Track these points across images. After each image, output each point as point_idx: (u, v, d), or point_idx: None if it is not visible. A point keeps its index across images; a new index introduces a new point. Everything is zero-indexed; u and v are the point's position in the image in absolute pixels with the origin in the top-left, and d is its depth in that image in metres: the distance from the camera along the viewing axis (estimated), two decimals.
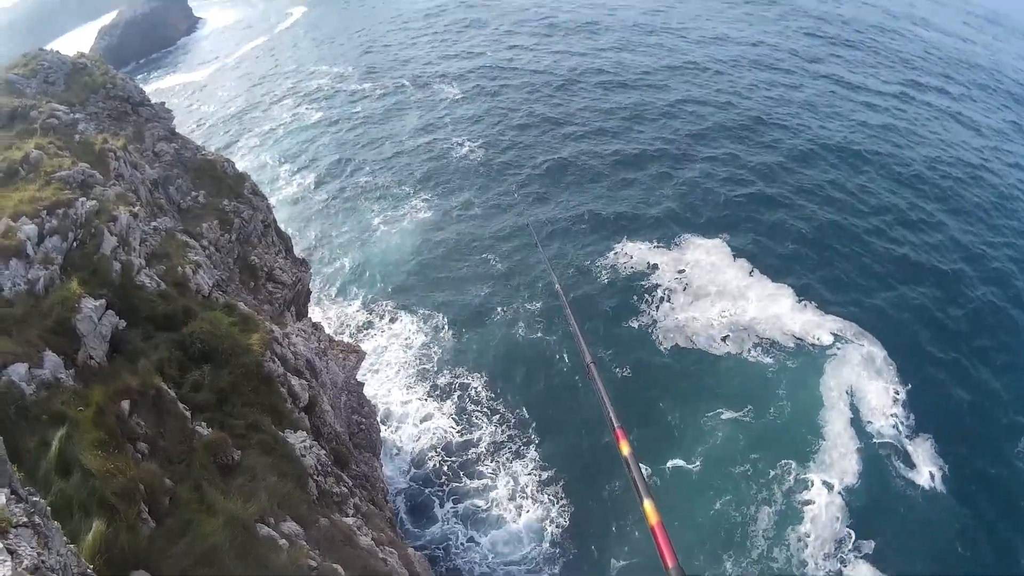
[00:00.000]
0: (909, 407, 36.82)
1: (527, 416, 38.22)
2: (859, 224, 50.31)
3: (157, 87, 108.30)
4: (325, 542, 16.92)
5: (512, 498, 34.67)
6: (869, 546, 30.76)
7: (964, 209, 53.78)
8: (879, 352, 39.68)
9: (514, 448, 36.98)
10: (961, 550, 30.87)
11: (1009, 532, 31.47)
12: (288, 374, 20.81)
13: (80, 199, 21.17)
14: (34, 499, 9.18)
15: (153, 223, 25.00)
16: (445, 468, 36.59)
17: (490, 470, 36.22)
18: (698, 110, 68.09)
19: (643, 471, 4.66)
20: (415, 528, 33.61)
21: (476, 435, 37.80)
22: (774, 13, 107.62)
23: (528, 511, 34.09)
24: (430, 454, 37.18)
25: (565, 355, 40.77)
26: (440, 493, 35.65)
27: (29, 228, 18.98)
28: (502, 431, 37.73)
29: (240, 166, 36.48)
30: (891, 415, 36.31)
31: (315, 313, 45.55)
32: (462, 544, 33.26)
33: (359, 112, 74.60)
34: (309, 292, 36.44)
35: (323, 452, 20.24)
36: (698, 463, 34.84)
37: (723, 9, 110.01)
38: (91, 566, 10.75)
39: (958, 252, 48.35)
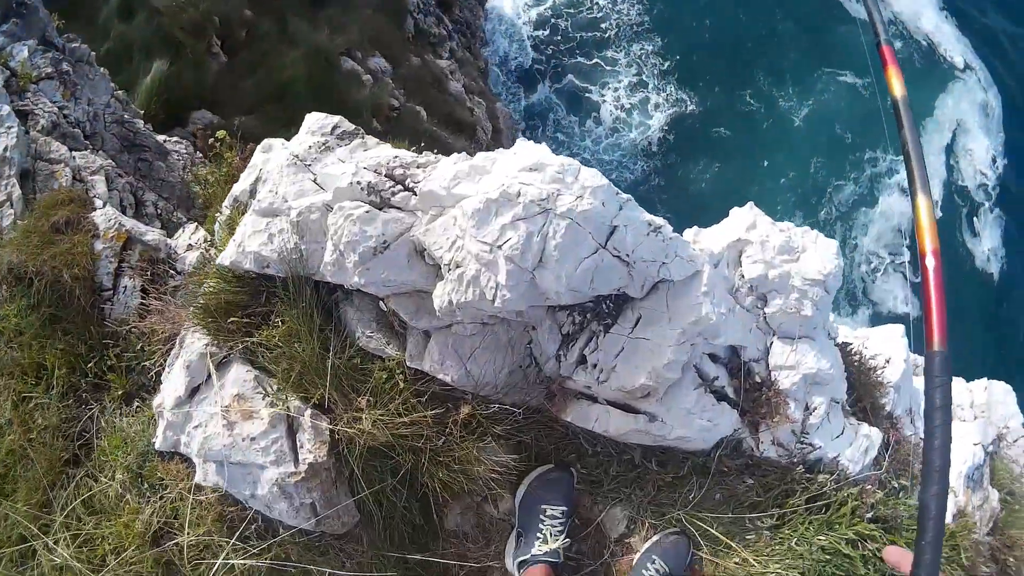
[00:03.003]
0: (1001, 179, 32.19)
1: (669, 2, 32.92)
2: None
3: None
4: (413, 83, 16.06)
5: (630, 92, 30.66)
6: (912, 272, 28.78)
7: None
8: (998, 110, 33.84)
9: (650, 39, 31.83)
10: (977, 334, 28.60)
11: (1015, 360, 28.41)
12: None
13: None
14: (73, 45, 7.97)
15: None
16: (565, 36, 31.59)
17: (616, 56, 31.35)
18: None
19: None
20: (511, 92, 29.92)
21: (609, 12, 32.04)
22: None
23: (641, 112, 30.46)
24: (552, 17, 31.96)
25: None
26: (550, 63, 31.01)
27: None
28: (638, 13, 32.10)
29: None
30: (982, 173, 32.10)
31: None
32: (558, 121, 29.68)
33: None
34: None
35: None
36: (804, 114, 31.14)
37: None
38: (142, 111, 9.86)
39: None
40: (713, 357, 3.28)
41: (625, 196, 2.69)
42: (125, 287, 4.54)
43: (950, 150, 32.57)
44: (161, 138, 9.27)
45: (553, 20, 31.76)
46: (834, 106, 31.09)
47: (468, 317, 2.92)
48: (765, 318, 3.35)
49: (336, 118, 3.53)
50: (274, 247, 3.12)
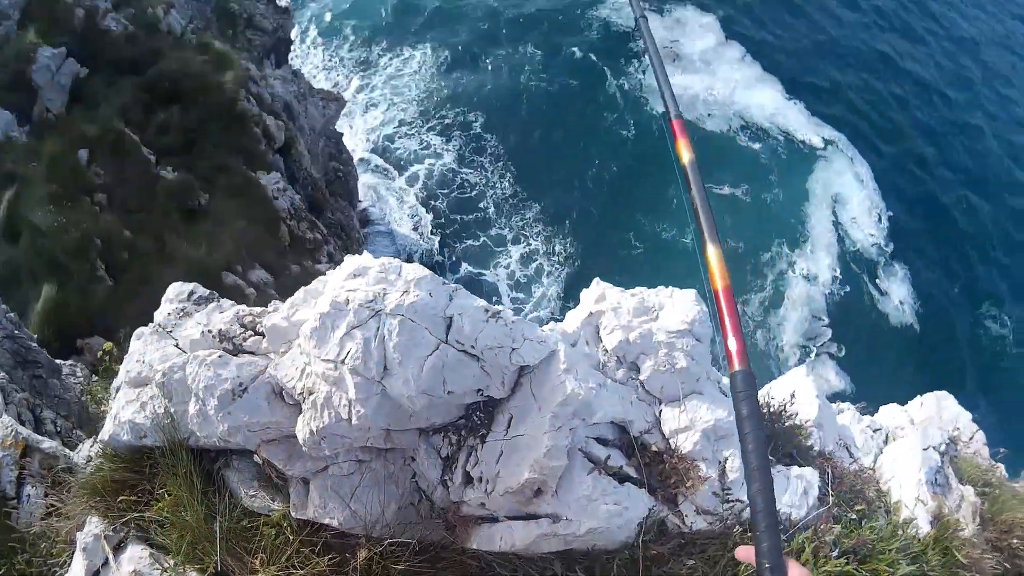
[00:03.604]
0: (890, 233, 34.44)
1: (534, 168, 33.91)
2: (864, 37, 44.42)
3: None
4: (295, 292, 16.02)
5: (523, 265, 31.15)
6: (837, 350, 30.02)
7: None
8: (867, 172, 36.58)
9: (527, 206, 32.82)
10: (912, 375, 29.64)
11: (957, 377, 29.77)
12: (263, 114, 18.75)
13: None
14: None
15: None
16: (448, 220, 32.29)
17: (501, 232, 32.06)
18: None
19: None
20: None
21: (482, 189, 33.23)
22: None
23: (537, 283, 30.79)
24: (428, 199, 32.91)
25: (562, 109, 36.25)
26: (444, 253, 31.32)
27: None
28: (508, 184, 33.28)
29: None
30: (871, 234, 34.18)
31: (303, 60, 38.87)
32: None
33: None
34: (290, 41, 32.85)
35: (298, 196, 18.61)
36: (690, 236, 31.70)
37: None
38: (36, 336, 9.84)
39: (970, 107, 42.83)
40: (603, 442, 3.19)
41: (454, 285, 2.72)
42: (28, 495, 4.46)
43: (836, 224, 34.16)
44: (57, 362, 9.17)
45: (432, 203, 32.37)
46: (719, 219, 32.17)
47: (338, 450, 2.81)
48: (644, 387, 3.33)
49: (192, 284, 3.59)
50: (147, 414, 3.08)
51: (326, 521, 2.93)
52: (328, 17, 42.26)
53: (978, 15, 50.35)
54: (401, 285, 2.61)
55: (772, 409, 4.24)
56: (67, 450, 4.93)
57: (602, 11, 41.36)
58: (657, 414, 3.34)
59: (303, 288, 2.91)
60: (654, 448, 3.25)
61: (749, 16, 43.46)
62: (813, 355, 29.79)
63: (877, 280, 32.88)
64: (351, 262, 2.72)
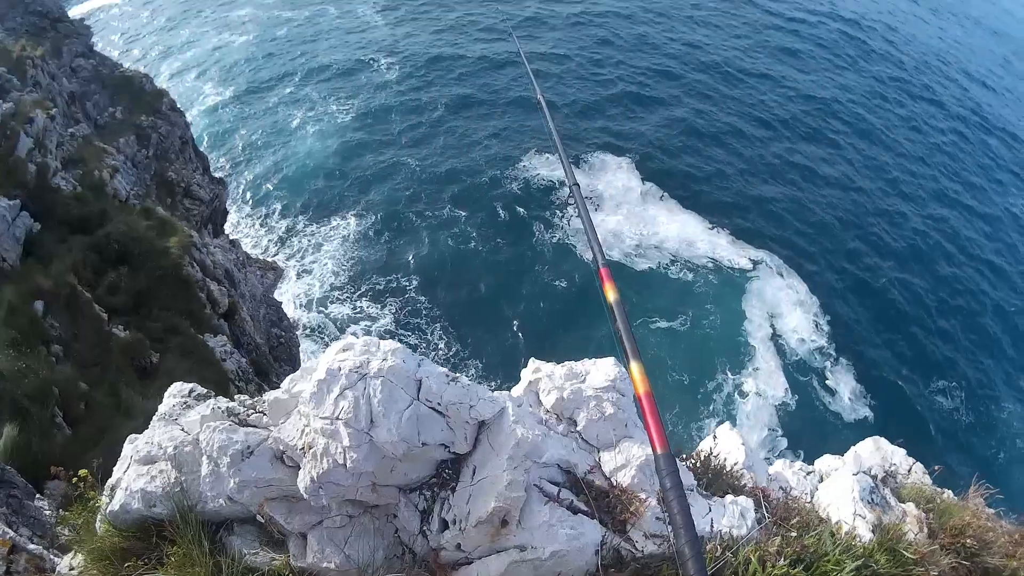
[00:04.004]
0: (831, 332, 36.28)
1: (470, 326, 35.06)
2: (776, 151, 48.01)
3: (79, 10, 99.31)
4: None
5: None
6: (795, 456, 30.42)
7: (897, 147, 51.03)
8: (798, 281, 38.70)
9: (464, 365, 33.28)
10: None
11: (920, 456, 31.05)
12: (207, 279, 19.33)
13: None
14: None
15: (71, 129, 23.08)
16: None
17: None
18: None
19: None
20: None
21: (423, 351, 32.98)
22: None
23: None
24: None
25: (492, 265, 37.86)
26: None
27: None
28: (446, 344, 34.13)
29: (160, 83, 33.04)
30: (812, 339, 35.83)
31: (235, 228, 40.65)
32: None
33: (282, 35, 68.47)
34: (226, 212, 34.09)
35: (244, 360, 18.98)
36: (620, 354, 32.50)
37: None
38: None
39: (888, 193, 46.48)
40: (554, 483, 3.83)
41: (420, 356, 3.54)
42: None
43: (777, 338, 35.49)
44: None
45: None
46: (661, 353, 33.55)
47: (333, 499, 3.44)
48: (582, 437, 4.08)
49: (192, 384, 4.33)
50: (158, 484, 3.67)
51: (324, 566, 3.50)
52: (260, 188, 44.57)
53: (880, 104, 54.92)
54: (380, 355, 3.38)
55: (702, 457, 4.90)
56: (55, 557, 5.17)
57: (520, 164, 44.12)
58: (597, 459, 4.05)
59: (301, 368, 3.66)
60: (598, 485, 3.92)
61: (663, 152, 46.27)
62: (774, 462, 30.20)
63: (826, 381, 33.95)
64: (338, 343, 3.50)
